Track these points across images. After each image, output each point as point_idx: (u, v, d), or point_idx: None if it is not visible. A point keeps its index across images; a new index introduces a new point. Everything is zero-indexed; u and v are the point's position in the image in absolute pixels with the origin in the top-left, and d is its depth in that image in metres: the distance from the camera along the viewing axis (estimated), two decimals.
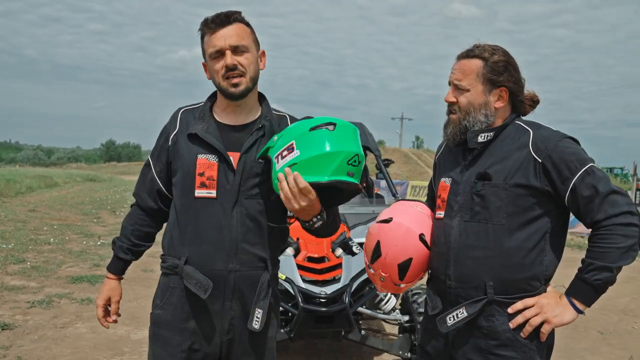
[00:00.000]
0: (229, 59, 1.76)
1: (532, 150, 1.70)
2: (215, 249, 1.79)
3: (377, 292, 3.52)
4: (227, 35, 1.76)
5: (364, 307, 3.43)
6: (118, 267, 2.03)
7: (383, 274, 1.88)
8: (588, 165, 1.64)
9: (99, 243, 8.85)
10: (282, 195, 1.64)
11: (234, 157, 1.81)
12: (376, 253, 1.88)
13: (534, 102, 1.85)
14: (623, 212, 1.60)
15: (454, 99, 1.80)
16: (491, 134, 1.78)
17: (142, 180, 1.99)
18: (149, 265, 7.29)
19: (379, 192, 5.47)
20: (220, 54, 1.78)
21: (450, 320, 1.75)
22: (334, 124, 1.62)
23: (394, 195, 4.29)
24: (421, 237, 1.86)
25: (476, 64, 1.77)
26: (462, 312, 1.73)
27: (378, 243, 1.87)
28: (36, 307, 5.06)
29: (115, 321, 2.02)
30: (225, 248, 1.79)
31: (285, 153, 1.64)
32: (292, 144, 1.62)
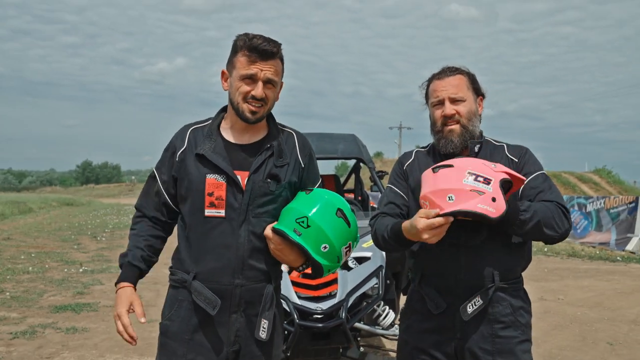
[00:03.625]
0: (260, 90, 1.97)
1: (509, 155, 2.19)
2: (223, 265, 1.99)
3: (375, 307, 3.70)
4: (266, 68, 1.97)
5: (362, 322, 3.60)
6: (132, 275, 2.05)
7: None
8: (543, 171, 2.17)
9: (81, 270, 8.98)
10: None
11: (241, 177, 1.99)
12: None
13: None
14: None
15: (453, 111, 2.12)
16: (479, 144, 2.18)
17: (146, 193, 2.14)
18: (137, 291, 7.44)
19: (374, 205, 5.68)
20: (252, 80, 1.97)
21: (470, 308, 2.03)
22: (311, 190, 2.07)
23: None
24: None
25: (462, 78, 2.17)
26: (478, 300, 2.04)
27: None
28: (19, 338, 5.20)
29: (142, 323, 1.99)
30: (232, 265, 1.99)
31: None
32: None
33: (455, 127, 2.11)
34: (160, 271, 9.17)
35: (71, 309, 6.36)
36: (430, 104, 2.18)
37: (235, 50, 2.02)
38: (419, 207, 2.12)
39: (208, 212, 1.99)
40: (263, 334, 1.99)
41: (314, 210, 1.96)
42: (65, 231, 16.02)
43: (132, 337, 2.00)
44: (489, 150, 2.20)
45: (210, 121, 2.12)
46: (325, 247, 1.96)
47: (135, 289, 2.07)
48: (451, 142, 2.11)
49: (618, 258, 10.58)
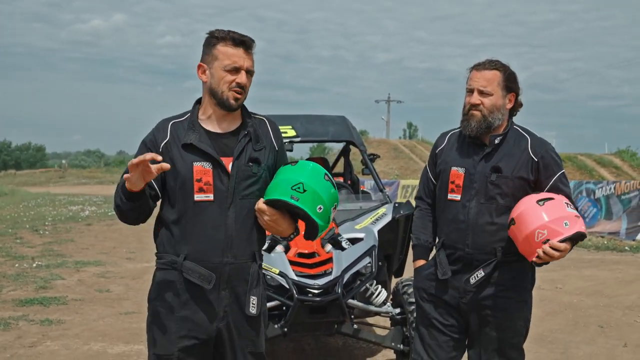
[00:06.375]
0: (244, 78, 2.59)
1: (530, 153, 3.05)
2: (213, 245, 2.57)
3: (367, 286, 4.67)
4: (247, 58, 2.60)
5: (356, 300, 4.57)
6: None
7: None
8: (562, 171, 3.04)
9: (34, 265, 9.81)
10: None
11: (225, 162, 2.58)
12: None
13: (521, 106, 3.19)
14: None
15: (478, 102, 3.03)
16: (501, 137, 3.09)
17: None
18: (103, 286, 8.35)
19: (364, 190, 6.67)
20: (236, 70, 2.58)
21: (473, 279, 3.02)
22: (296, 162, 2.71)
23: (381, 191, 5.46)
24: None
25: (497, 74, 3.05)
26: (481, 272, 3.01)
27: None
28: None
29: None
30: (221, 244, 2.57)
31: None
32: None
33: (477, 113, 3.02)
34: (124, 266, 10.03)
35: (38, 302, 7.22)
36: (466, 89, 3.10)
37: (212, 44, 2.60)
38: (443, 189, 3.17)
39: (198, 197, 2.56)
40: (253, 310, 2.61)
41: (307, 176, 2.59)
42: None
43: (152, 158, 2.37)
44: (512, 140, 3.07)
45: (187, 115, 2.69)
46: (320, 208, 2.59)
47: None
48: (469, 125, 3.04)
49: (626, 248, 11.79)
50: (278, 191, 2.58)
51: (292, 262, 4.40)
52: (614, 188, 13.75)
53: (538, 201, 2.83)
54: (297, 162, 2.72)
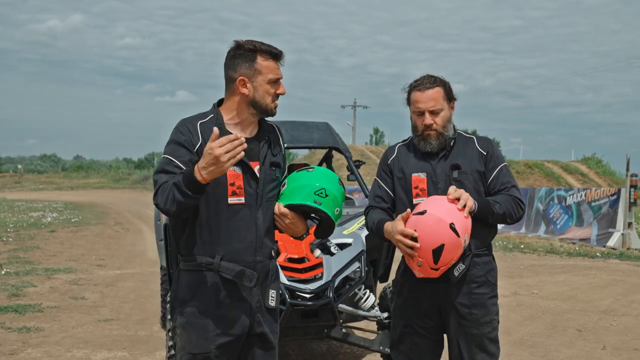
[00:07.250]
0: (283, 88, 2.83)
1: (479, 148, 3.31)
2: (246, 246, 2.76)
3: (356, 291, 4.79)
4: (280, 69, 2.82)
5: (345, 304, 4.68)
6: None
7: (420, 260, 2.95)
8: (504, 163, 3.33)
9: (3, 272, 9.69)
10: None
11: (252, 166, 2.77)
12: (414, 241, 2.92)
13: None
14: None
15: (432, 122, 3.22)
16: (454, 139, 3.33)
17: (166, 177, 2.66)
18: (77, 293, 8.31)
19: (348, 196, 6.80)
20: (278, 82, 2.80)
21: (456, 272, 3.14)
22: (313, 168, 2.93)
23: (367, 197, 5.58)
24: (451, 226, 2.90)
25: (439, 90, 3.26)
26: (462, 265, 3.14)
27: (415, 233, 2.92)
28: None
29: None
30: (253, 244, 2.78)
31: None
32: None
33: (433, 133, 3.22)
34: (95, 273, 9.96)
35: (13, 310, 7.16)
36: (412, 111, 3.28)
37: (252, 59, 2.75)
38: (405, 195, 3.31)
39: (231, 200, 2.74)
40: (272, 303, 2.84)
41: (326, 181, 2.85)
42: None
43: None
44: (461, 143, 3.31)
45: (209, 117, 2.82)
46: (337, 210, 2.88)
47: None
48: (430, 144, 3.23)
49: (597, 254, 12.16)
50: (301, 196, 2.79)
51: (282, 267, 4.49)
52: (585, 195, 14.14)
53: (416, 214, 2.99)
54: (312, 168, 2.94)
